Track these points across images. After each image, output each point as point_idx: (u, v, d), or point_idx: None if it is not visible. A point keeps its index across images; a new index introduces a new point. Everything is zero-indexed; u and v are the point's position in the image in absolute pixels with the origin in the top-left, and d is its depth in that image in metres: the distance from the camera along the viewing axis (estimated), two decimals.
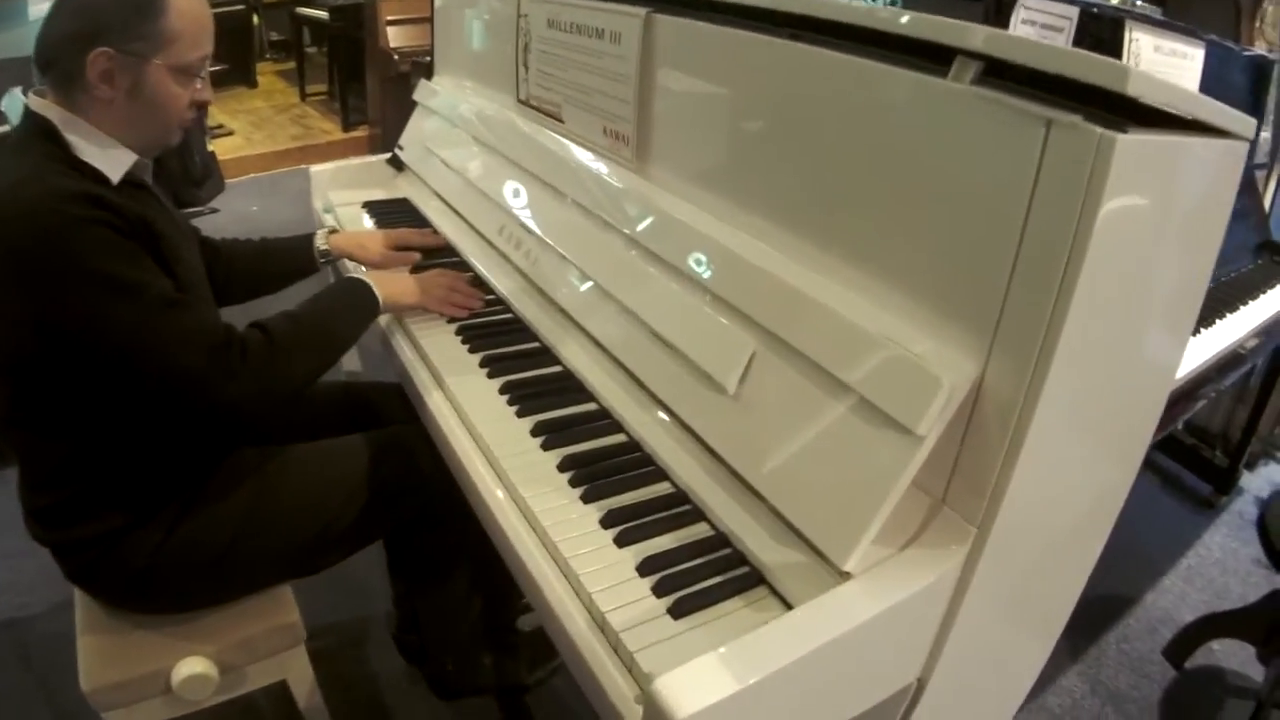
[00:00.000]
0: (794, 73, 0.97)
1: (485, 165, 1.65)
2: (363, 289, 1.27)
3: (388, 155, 2.09)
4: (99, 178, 1.04)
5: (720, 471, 0.98)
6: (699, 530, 0.95)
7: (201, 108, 1.14)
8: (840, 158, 0.93)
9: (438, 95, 1.98)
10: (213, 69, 1.14)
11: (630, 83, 1.21)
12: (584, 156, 1.37)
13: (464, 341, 1.31)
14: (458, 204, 1.70)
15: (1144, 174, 0.74)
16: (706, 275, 1.04)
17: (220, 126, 4.99)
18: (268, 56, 6.70)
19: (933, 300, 0.84)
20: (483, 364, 1.25)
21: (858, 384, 0.83)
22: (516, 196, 1.49)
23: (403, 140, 2.06)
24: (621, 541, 0.92)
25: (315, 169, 2.05)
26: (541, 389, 1.19)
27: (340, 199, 1.94)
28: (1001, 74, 0.77)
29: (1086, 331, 0.78)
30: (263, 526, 1.19)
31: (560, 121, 1.46)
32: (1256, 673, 1.89)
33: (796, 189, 0.99)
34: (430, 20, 2.17)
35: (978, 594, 0.89)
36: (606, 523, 0.95)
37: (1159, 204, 0.81)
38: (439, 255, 1.62)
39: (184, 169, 3.91)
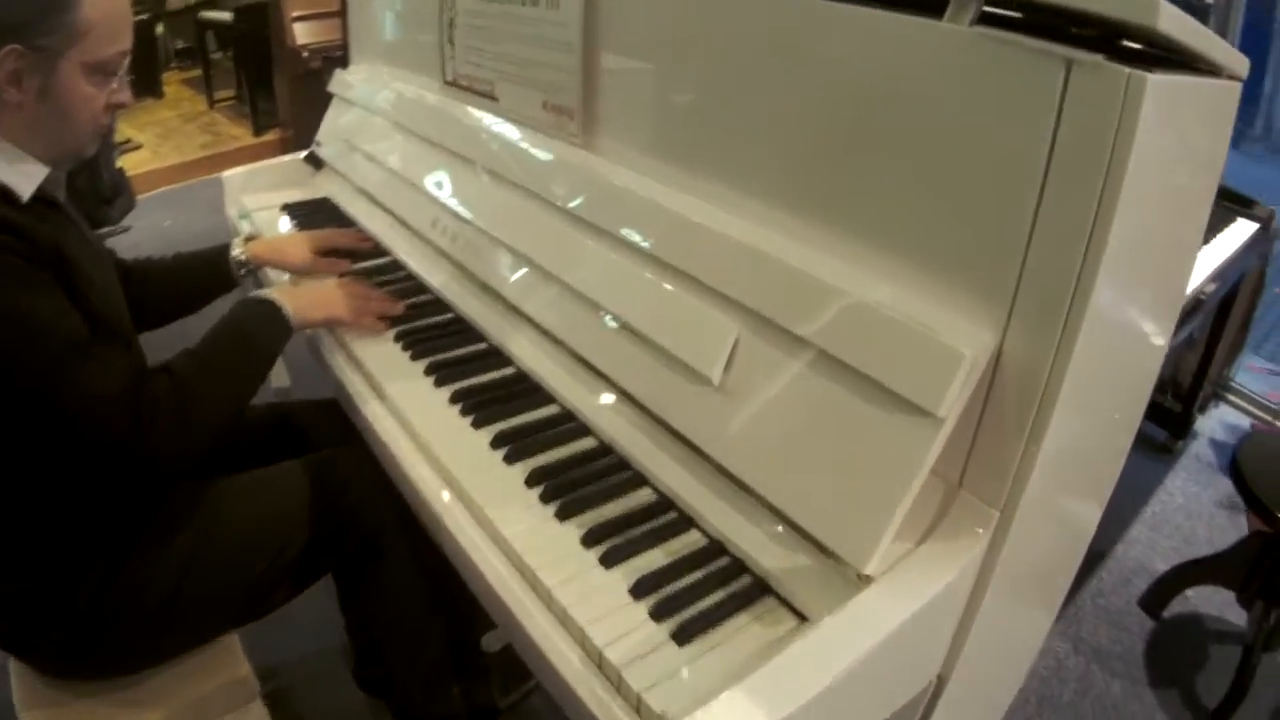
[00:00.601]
0: (766, 23, 0.87)
1: (412, 154, 1.51)
2: (269, 310, 1.13)
3: (304, 153, 1.93)
4: (6, 196, 0.91)
5: (707, 471, 0.88)
6: (691, 540, 0.86)
7: (118, 109, 1.02)
8: (824, 117, 0.83)
9: (355, 85, 1.83)
10: None
11: (573, 50, 1.10)
12: (523, 136, 1.25)
13: (405, 348, 1.19)
14: (385, 199, 1.57)
15: (1166, 117, 0.67)
16: (675, 255, 0.93)
17: (127, 141, 4.74)
18: (173, 66, 6.45)
19: (939, 266, 0.75)
20: (428, 371, 1.13)
21: (862, 364, 0.74)
22: (449, 185, 1.37)
23: (320, 135, 1.91)
24: (609, 561, 0.82)
25: (227, 174, 1.88)
26: (497, 394, 1.08)
27: (256, 203, 1.79)
28: (988, 17, 0.69)
29: (1113, 289, 0.70)
30: (202, 572, 1.08)
31: (494, 100, 1.33)
32: (1235, 616, 1.89)
33: (774, 156, 0.89)
34: (341, 11, 2.02)
35: (999, 580, 0.81)
36: (589, 540, 0.84)
37: (1177, 149, 0.73)
38: (370, 257, 1.49)
39: (93, 187, 3.67)
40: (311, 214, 1.72)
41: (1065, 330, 0.68)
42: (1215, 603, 1.95)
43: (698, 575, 0.81)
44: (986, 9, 0.67)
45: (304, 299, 1.18)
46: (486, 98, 1.35)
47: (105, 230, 3.76)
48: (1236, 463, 1.67)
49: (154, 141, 4.89)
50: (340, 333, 1.24)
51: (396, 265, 1.45)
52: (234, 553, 1.10)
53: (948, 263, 0.74)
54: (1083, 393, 0.76)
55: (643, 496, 0.91)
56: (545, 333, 1.11)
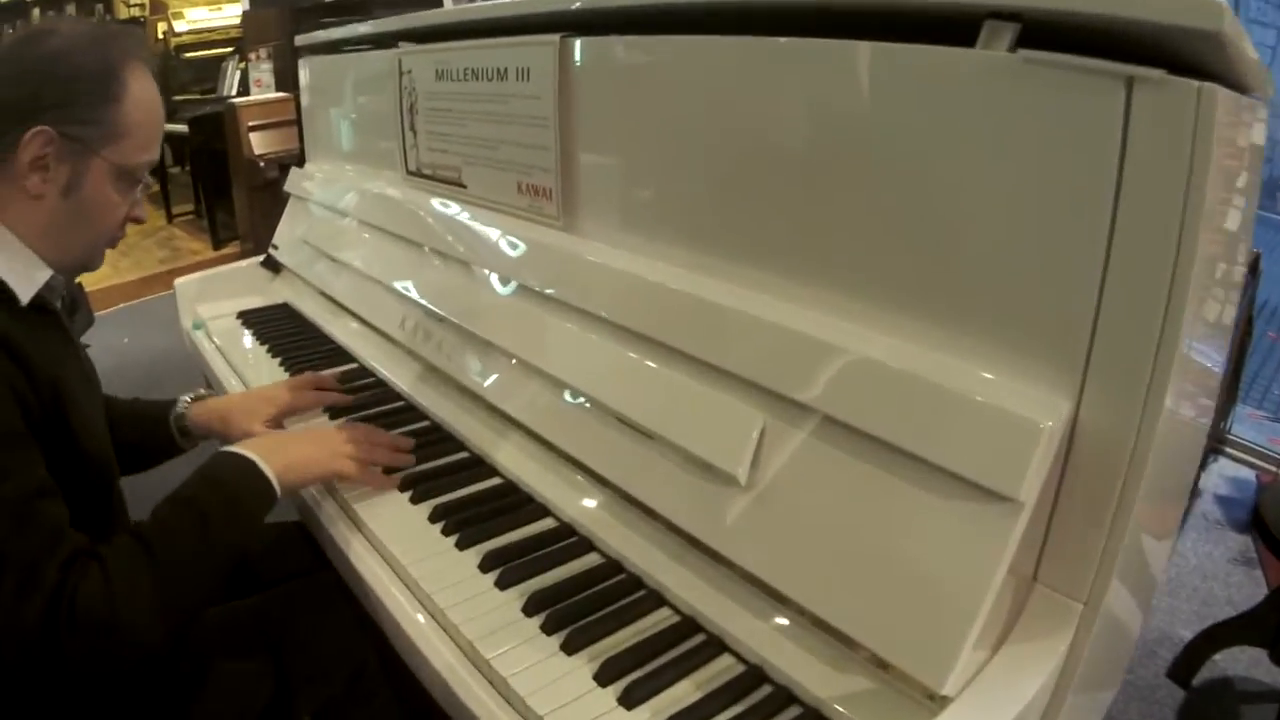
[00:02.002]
0: (770, 74, 0.79)
1: (375, 251, 1.42)
2: (245, 472, 0.88)
3: (261, 258, 1.83)
4: (3, 294, 0.81)
5: (734, 583, 0.76)
6: (724, 666, 0.73)
7: (133, 223, 0.93)
8: (847, 173, 0.74)
9: (312, 183, 1.75)
10: None
11: (548, 125, 1.02)
12: (497, 223, 1.16)
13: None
14: (347, 299, 1.46)
15: (1228, 138, 0.59)
16: (682, 338, 0.83)
17: None
18: None
19: (996, 327, 0.65)
20: (404, 486, 1.00)
21: (919, 447, 0.63)
22: (417, 281, 1.27)
23: (276, 238, 1.81)
24: (629, 700, 0.69)
25: (181, 281, 1.77)
26: (483, 509, 0.95)
27: (211, 312, 1.68)
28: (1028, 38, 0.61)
29: (1194, 335, 0.61)
30: None
31: (461, 187, 1.25)
32: (1266, 674, 1.78)
33: (792, 221, 0.80)
34: (297, 116, 1.95)
35: (1083, 678, 0.69)
36: (604, 677, 0.71)
37: (1235, 172, 0.66)
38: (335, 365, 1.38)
39: None
40: (269, 321, 1.61)
41: (1151, 388, 0.58)
42: (1244, 662, 1.83)
43: (738, 710, 0.68)
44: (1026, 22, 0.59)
45: (290, 455, 0.92)
46: (454, 185, 1.27)
47: None
48: (1258, 514, 1.58)
49: (112, 257, 4.69)
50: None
51: (363, 371, 1.33)
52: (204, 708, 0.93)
53: (1008, 322, 0.64)
54: (1165, 458, 0.66)
55: (661, 618, 0.78)
56: (534, 436, 0.99)
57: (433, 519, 0.93)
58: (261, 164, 4.07)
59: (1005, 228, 0.63)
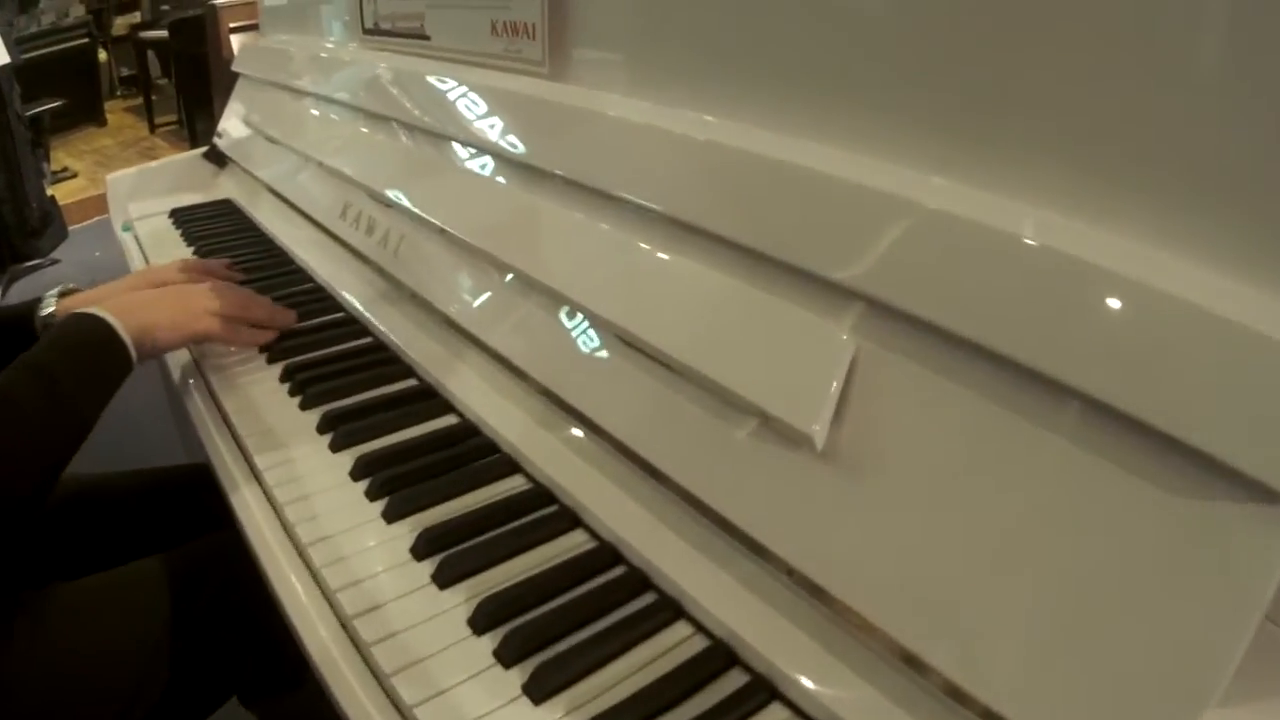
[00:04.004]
0: None
1: (325, 129, 1.13)
2: (95, 333, 0.74)
3: (204, 149, 1.55)
4: None
5: (803, 605, 0.49)
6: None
7: None
8: None
9: (261, 57, 1.45)
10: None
11: None
12: (464, 78, 0.87)
13: (293, 391, 0.79)
14: (288, 189, 1.18)
15: None
16: (729, 219, 0.55)
17: (64, 170, 4.46)
18: (119, 94, 6.19)
19: (1236, 206, 0.37)
20: (324, 427, 0.73)
21: (1128, 402, 0.36)
22: (371, 162, 0.98)
23: (222, 125, 1.52)
24: None
25: (113, 177, 1.50)
26: (428, 463, 0.68)
27: (141, 210, 1.40)
28: None
29: None
30: None
31: (424, 39, 0.96)
32: None
33: (886, 42, 0.50)
34: None
35: None
36: None
37: None
38: (274, 271, 1.10)
39: (20, 218, 3.41)
40: (205, 219, 1.33)
41: None
42: None
43: None
44: None
45: (152, 314, 0.79)
46: (416, 38, 0.97)
47: (32, 264, 3.48)
48: None
49: (90, 169, 4.66)
50: (203, 364, 0.85)
51: (304, 276, 1.05)
52: (72, 695, 0.72)
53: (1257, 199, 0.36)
54: None
55: (692, 648, 0.51)
56: (509, 366, 0.72)
57: (358, 474, 0.66)
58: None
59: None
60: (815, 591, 0.46)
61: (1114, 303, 0.38)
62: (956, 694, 0.40)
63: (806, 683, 0.45)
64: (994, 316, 0.41)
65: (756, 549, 0.49)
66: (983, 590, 0.40)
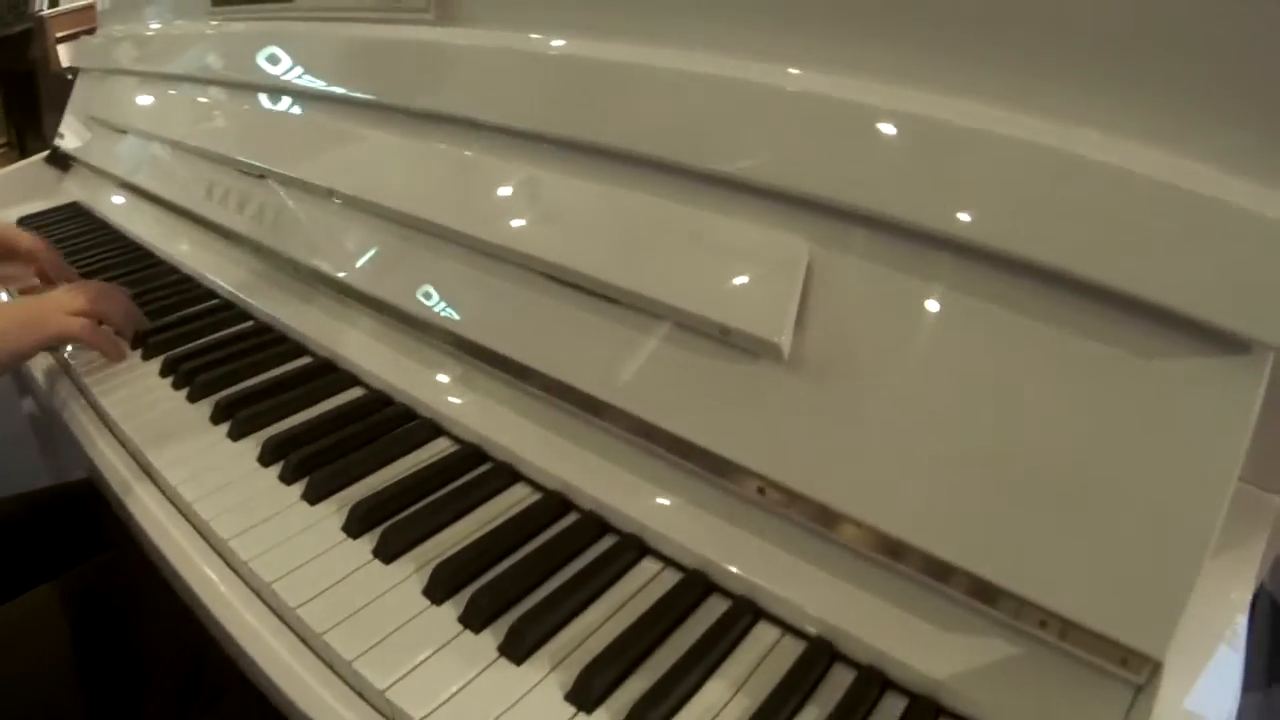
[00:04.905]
0: None
1: (177, 109, 1.03)
2: None
3: (45, 154, 1.41)
4: None
5: (774, 521, 0.47)
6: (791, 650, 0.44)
7: None
8: None
9: (102, 48, 1.32)
10: None
11: None
12: (337, 36, 0.81)
13: (176, 383, 0.72)
14: (142, 179, 1.07)
15: None
16: (651, 138, 0.52)
17: None
18: None
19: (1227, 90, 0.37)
20: (219, 416, 0.66)
21: (1108, 275, 0.35)
22: (235, 134, 0.90)
23: (63, 126, 1.39)
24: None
25: None
26: (350, 435, 0.63)
27: None
28: None
29: None
30: None
31: (285, 1, 0.89)
32: None
33: None
34: None
35: None
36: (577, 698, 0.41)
37: None
38: (133, 266, 1.00)
39: None
40: (51, 224, 1.20)
41: None
42: None
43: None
44: None
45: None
46: (277, 2, 0.90)
47: None
48: None
49: None
50: (74, 371, 0.76)
51: (169, 268, 0.96)
52: None
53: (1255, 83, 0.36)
54: None
55: (649, 570, 0.49)
56: (415, 324, 0.66)
57: (265, 458, 0.60)
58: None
59: None
60: (788, 504, 0.44)
61: (1067, 180, 0.37)
62: (940, 573, 0.39)
63: (791, 596, 0.43)
64: (945, 202, 0.39)
65: (719, 470, 0.47)
66: (970, 473, 0.39)
